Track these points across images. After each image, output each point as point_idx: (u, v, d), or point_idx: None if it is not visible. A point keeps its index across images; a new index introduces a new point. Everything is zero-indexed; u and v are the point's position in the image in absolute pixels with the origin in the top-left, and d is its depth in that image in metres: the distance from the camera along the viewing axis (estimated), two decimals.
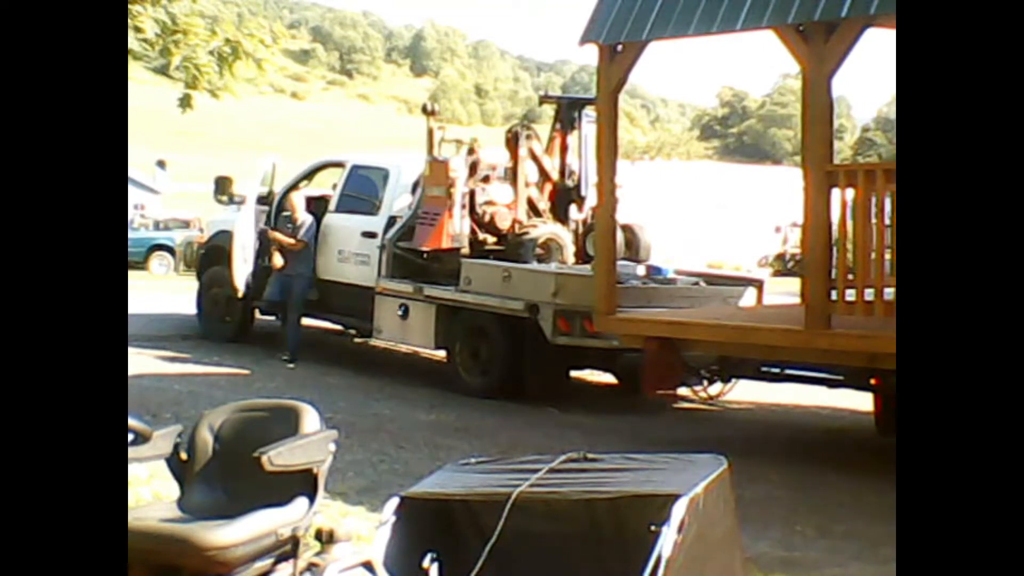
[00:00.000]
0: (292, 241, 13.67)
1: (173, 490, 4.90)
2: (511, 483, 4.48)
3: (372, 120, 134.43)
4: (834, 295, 9.05)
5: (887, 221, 8.87)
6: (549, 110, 14.54)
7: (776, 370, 10.66)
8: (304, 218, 13.76)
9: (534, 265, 12.49)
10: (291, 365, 13.32)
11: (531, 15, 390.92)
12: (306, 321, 15.21)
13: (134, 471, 6.49)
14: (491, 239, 13.09)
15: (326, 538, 4.19)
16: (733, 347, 10.07)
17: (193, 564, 4.25)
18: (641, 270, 12.69)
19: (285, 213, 13.96)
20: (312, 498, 4.53)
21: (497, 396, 11.94)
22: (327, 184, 14.89)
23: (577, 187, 13.51)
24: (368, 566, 4.22)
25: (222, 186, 15.40)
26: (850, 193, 8.87)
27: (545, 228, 13.16)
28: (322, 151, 21.71)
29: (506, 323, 12.07)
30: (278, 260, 13.69)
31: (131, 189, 36.08)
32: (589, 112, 13.07)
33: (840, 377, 10.11)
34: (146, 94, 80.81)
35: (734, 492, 4.69)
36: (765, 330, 9.74)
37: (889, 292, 8.74)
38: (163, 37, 11.53)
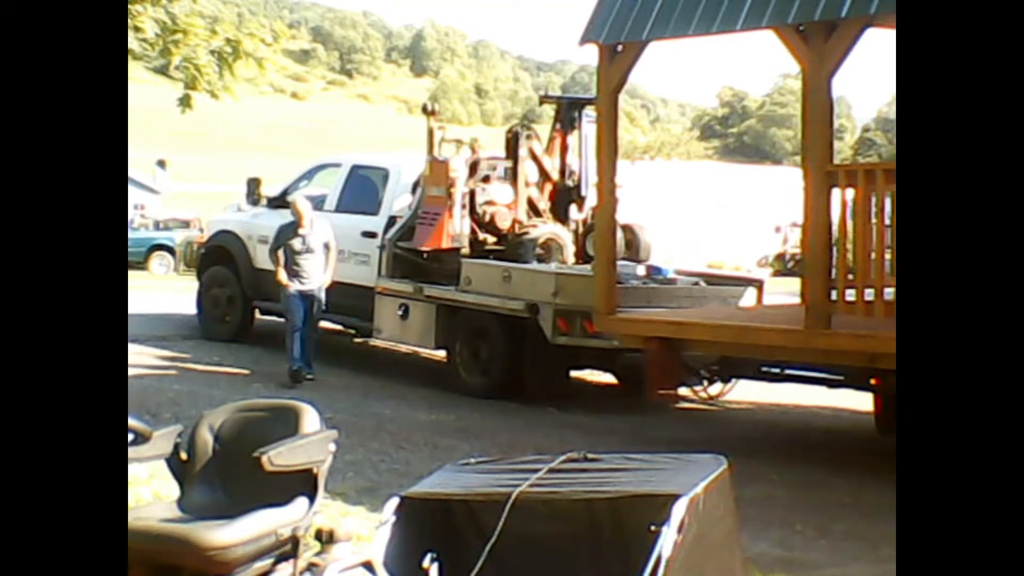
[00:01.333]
0: (285, 282, 12.44)
1: (173, 490, 4.90)
2: (511, 483, 4.48)
3: (372, 120, 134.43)
4: (834, 295, 9.05)
5: (887, 221, 8.88)
6: (549, 110, 14.54)
7: (776, 370, 10.67)
8: (312, 223, 12.56)
9: (534, 265, 12.49)
10: (311, 376, 12.41)
11: (531, 15, 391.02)
12: None
13: (134, 471, 6.50)
14: (491, 239, 13.09)
15: (326, 538, 4.19)
16: (733, 347, 10.07)
17: (193, 564, 4.25)
18: (641, 270, 12.69)
19: (291, 219, 12.74)
20: (312, 498, 4.53)
21: (497, 396, 11.94)
22: (327, 184, 14.90)
23: (577, 187, 13.51)
24: (368, 566, 4.22)
25: (252, 188, 15.31)
26: (850, 193, 8.88)
27: (545, 228, 13.16)
28: (322, 151, 21.74)
29: (506, 323, 12.07)
30: (283, 276, 12.45)
31: (131, 189, 36.07)
32: (589, 112, 13.07)
33: (840, 377, 10.11)
34: (146, 94, 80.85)
35: (734, 492, 4.69)
36: (765, 330, 9.74)
37: (889, 292, 8.74)
38: (163, 37, 11.53)
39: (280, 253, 12.56)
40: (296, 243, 12.47)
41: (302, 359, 12.54)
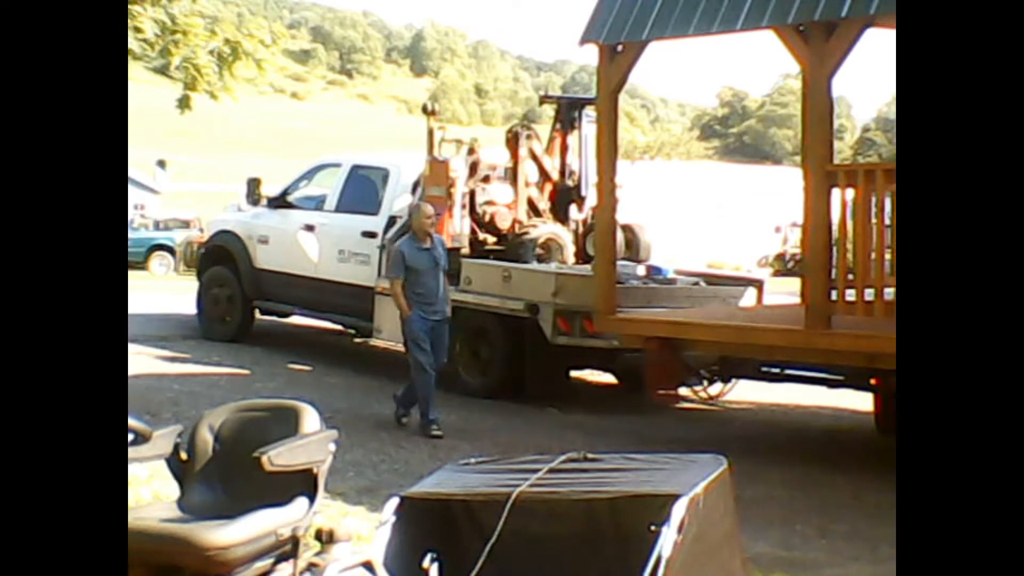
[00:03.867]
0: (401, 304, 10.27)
1: (173, 490, 4.91)
2: (511, 483, 4.48)
3: (372, 120, 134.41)
4: (834, 295, 9.05)
5: (887, 221, 8.88)
6: (549, 110, 14.54)
7: (776, 370, 10.66)
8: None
9: (534, 265, 12.49)
10: (438, 431, 10.13)
11: (531, 15, 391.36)
12: (306, 321, 15.22)
13: (134, 471, 6.50)
14: (491, 239, 13.09)
15: (326, 538, 4.19)
16: (733, 347, 10.07)
17: (193, 564, 4.25)
18: (641, 270, 12.68)
19: (410, 233, 10.59)
20: (312, 498, 4.53)
21: (497, 396, 11.94)
22: (327, 184, 14.92)
23: (577, 187, 13.51)
24: (368, 566, 4.22)
25: (252, 188, 15.27)
26: (850, 193, 8.88)
27: (545, 228, 13.16)
28: (322, 151, 21.72)
29: (506, 323, 12.06)
30: (405, 304, 10.22)
31: (131, 189, 36.10)
32: (589, 112, 13.07)
33: (840, 377, 10.11)
34: (146, 94, 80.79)
35: (734, 492, 4.69)
36: (765, 330, 9.74)
37: (889, 292, 8.74)
38: (163, 37, 11.53)
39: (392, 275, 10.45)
40: (424, 260, 10.29)
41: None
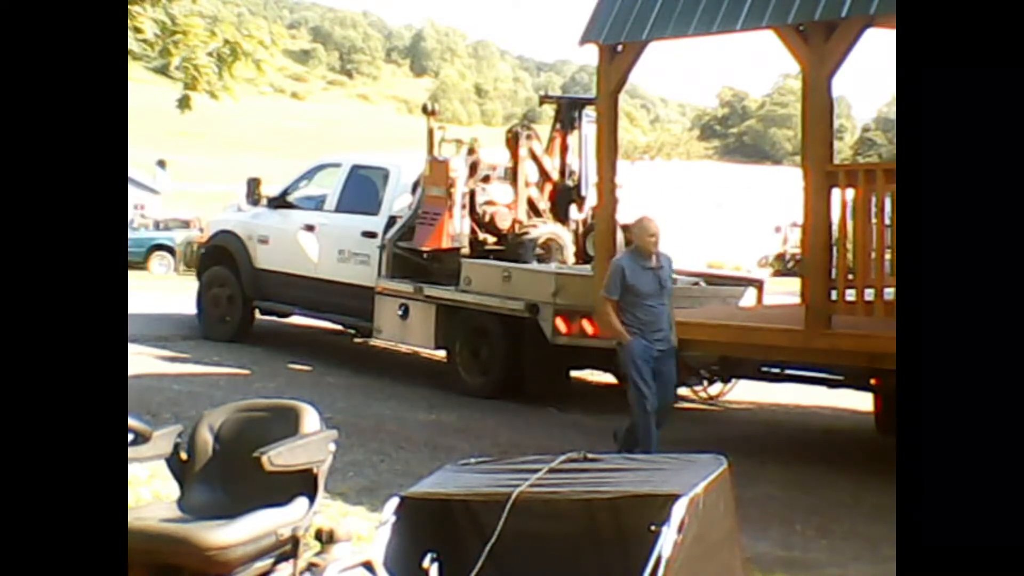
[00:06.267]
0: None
1: (173, 490, 4.91)
2: (511, 483, 4.48)
3: (372, 120, 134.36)
4: (834, 295, 9.05)
5: (887, 221, 8.88)
6: (549, 110, 14.55)
7: (776, 370, 10.67)
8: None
9: (534, 265, 12.49)
10: None
11: (531, 15, 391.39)
12: (306, 321, 15.23)
13: (134, 471, 6.50)
14: (491, 239, 13.10)
15: (326, 538, 4.19)
16: (733, 347, 10.07)
17: (193, 564, 4.26)
18: None
19: (632, 247, 9.09)
20: (312, 498, 4.54)
21: (497, 396, 11.94)
22: (327, 184, 14.92)
23: (577, 187, 13.52)
24: (368, 566, 4.23)
25: (252, 188, 15.26)
26: (850, 193, 8.88)
27: (545, 228, 13.17)
28: (322, 151, 21.74)
29: (506, 323, 12.06)
30: (623, 330, 8.76)
31: (131, 189, 36.07)
32: (589, 112, 13.07)
33: (840, 377, 10.12)
34: (146, 94, 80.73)
35: (734, 492, 4.69)
36: (765, 330, 9.75)
37: (889, 292, 8.74)
38: (162, 38, 11.53)
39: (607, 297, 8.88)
40: (647, 281, 8.84)
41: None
